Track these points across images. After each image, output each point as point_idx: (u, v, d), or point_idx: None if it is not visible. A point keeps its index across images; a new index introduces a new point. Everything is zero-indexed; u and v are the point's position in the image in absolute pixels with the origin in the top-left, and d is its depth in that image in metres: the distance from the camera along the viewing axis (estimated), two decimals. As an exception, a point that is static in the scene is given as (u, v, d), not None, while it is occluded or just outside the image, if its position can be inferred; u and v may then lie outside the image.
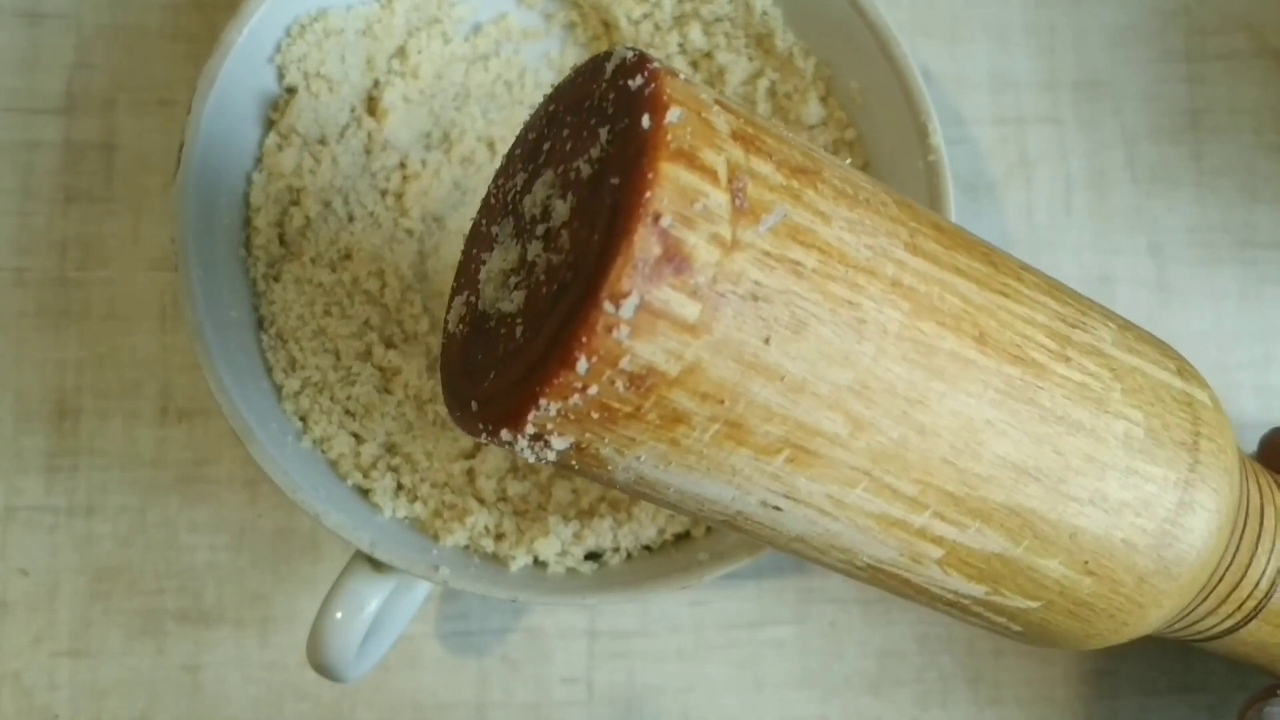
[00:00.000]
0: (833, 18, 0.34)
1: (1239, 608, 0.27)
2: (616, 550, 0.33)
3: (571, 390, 0.19)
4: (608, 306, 0.18)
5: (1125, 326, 0.26)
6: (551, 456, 0.20)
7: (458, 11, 0.35)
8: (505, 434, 0.20)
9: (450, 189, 0.35)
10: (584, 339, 0.18)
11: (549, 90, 0.35)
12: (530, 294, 0.20)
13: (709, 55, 0.36)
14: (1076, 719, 0.36)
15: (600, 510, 0.33)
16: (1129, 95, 0.39)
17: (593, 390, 0.19)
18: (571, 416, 0.19)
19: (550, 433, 0.20)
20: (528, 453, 0.20)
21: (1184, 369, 0.26)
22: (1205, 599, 0.27)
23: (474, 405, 0.20)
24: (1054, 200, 0.38)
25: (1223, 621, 0.27)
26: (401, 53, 0.35)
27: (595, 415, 0.19)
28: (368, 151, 0.34)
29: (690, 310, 0.19)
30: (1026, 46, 0.39)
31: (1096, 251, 0.38)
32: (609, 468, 0.21)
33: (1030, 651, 0.36)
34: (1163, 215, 0.38)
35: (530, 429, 0.20)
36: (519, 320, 0.20)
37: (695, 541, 0.33)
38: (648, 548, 0.33)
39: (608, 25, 0.36)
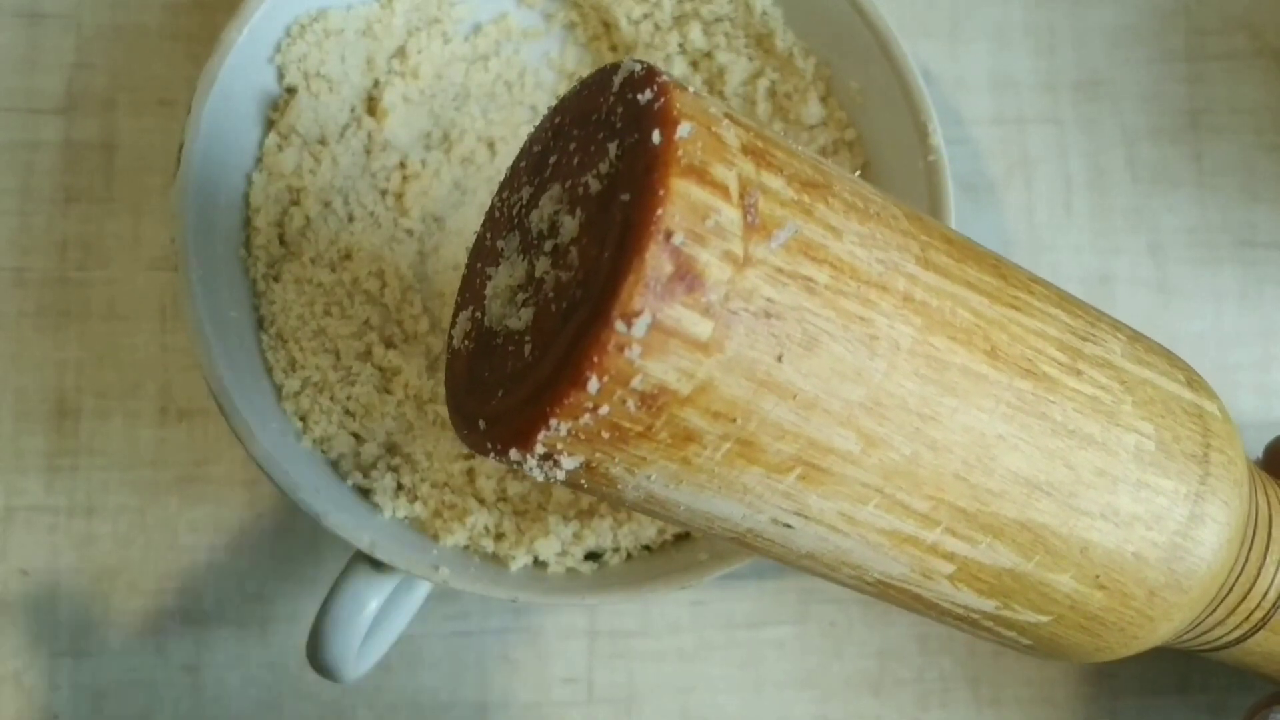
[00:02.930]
0: (833, 18, 0.34)
1: (1247, 618, 0.27)
2: (616, 550, 0.33)
3: (582, 410, 0.19)
4: (619, 326, 0.18)
5: (1134, 337, 0.26)
6: (561, 476, 0.20)
7: (458, 11, 0.35)
8: (514, 453, 0.20)
9: (450, 189, 0.35)
10: (595, 358, 0.18)
11: (549, 90, 0.36)
12: (539, 311, 0.20)
13: (709, 55, 0.36)
14: (1076, 719, 0.36)
15: (600, 510, 0.33)
16: (1129, 95, 0.39)
17: (604, 410, 0.19)
18: (582, 436, 0.19)
19: (560, 452, 0.20)
20: (536, 472, 0.20)
21: (1193, 380, 0.26)
22: (1214, 610, 0.26)
23: (481, 424, 0.20)
24: (1054, 200, 0.38)
25: (1230, 632, 0.27)
26: (401, 53, 0.35)
27: (606, 435, 0.19)
28: (368, 151, 0.34)
29: (703, 328, 0.19)
30: (1026, 46, 0.39)
31: (1096, 251, 0.38)
32: (619, 487, 0.21)
33: (1030, 651, 0.36)
34: (1163, 215, 0.38)
35: (540, 449, 0.19)
36: (527, 338, 0.20)
37: (695, 542, 0.33)
38: (648, 548, 0.33)
39: (608, 25, 0.36)
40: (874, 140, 0.35)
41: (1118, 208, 0.38)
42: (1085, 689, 0.36)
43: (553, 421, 0.19)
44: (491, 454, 0.20)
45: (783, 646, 0.36)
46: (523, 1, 0.36)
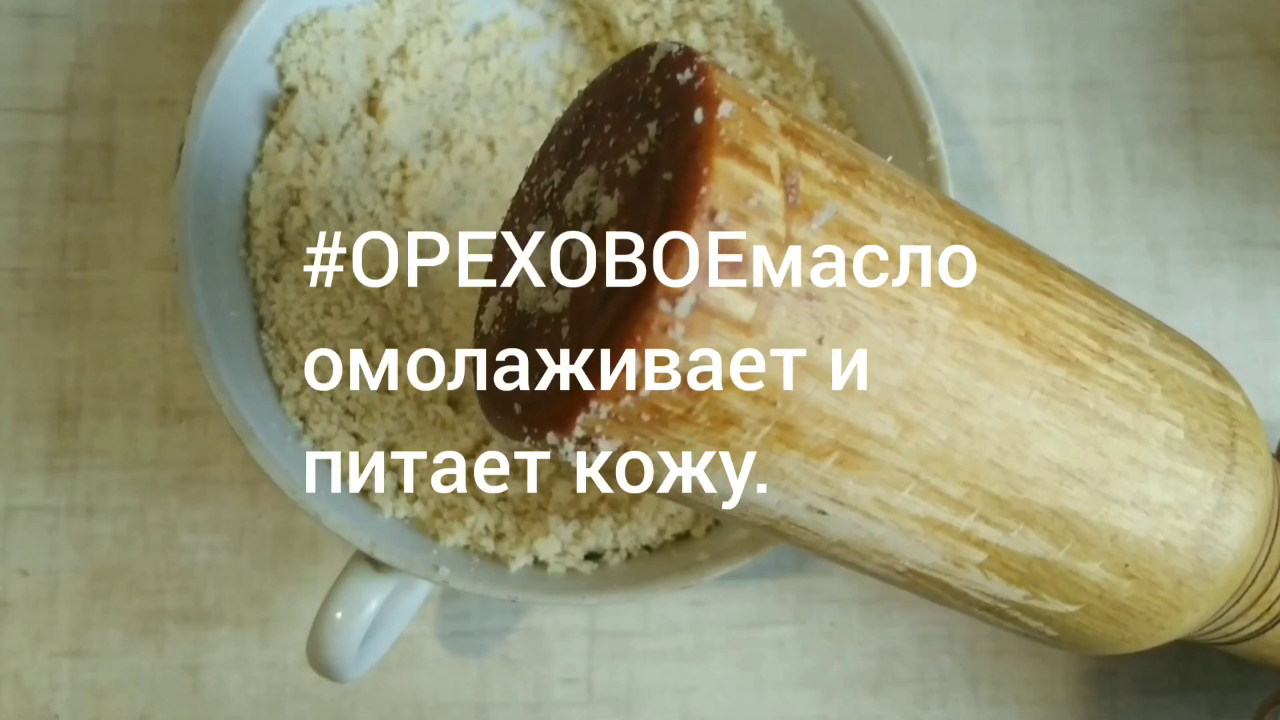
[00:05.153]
0: (833, 18, 0.34)
1: (1267, 610, 0.27)
2: (616, 550, 0.33)
3: (623, 392, 0.19)
4: (663, 305, 0.18)
5: (1159, 327, 0.25)
6: (598, 461, 0.20)
7: (458, 11, 0.35)
8: (551, 437, 0.19)
9: (450, 189, 0.35)
10: (638, 338, 0.18)
11: (549, 90, 0.36)
12: (576, 293, 0.20)
13: (709, 55, 0.36)
14: (1076, 719, 0.36)
15: (600, 510, 0.33)
16: (1129, 95, 0.39)
17: (644, 392, 0.19)
18: (621, 419, 0.19)
19: (598, 436, 0.19)
20: (572, 457, 0.20)
21: (1218, 370, 0.26)
22: (1237, 602, 0.26)
23: (517, 408, 0.20)
24: (1054, 200, 0.38)
25: (1251, 624, 0.27)
26: (401, 53, 0.35)
27: (645, 418, 0.19)
28: (368, 151, 0.34)
29: (745, 309, 0.19)
30: (1026, 46, 0.39)
31: (1096, 251, 0.38)
32: None
33: (1031, 651, 0.36)
34: (1163, 215, 0.38)
35: (578, 432, 0.19)
36: (564, 320, 0.20)
37: (695, 541, 0.33)
38: (648, 548, 0.33)
39: (608, 25, 0.36)
40: (874, 140, 0.35)
41: (1118, 208, 0.38)
42: (1085, 689, 0.36)
43: (593, 404, 0.19)
44: (527, 439, 0.20)
45: (783, 646, 0.36)
46: (523, 1, 0.36)
